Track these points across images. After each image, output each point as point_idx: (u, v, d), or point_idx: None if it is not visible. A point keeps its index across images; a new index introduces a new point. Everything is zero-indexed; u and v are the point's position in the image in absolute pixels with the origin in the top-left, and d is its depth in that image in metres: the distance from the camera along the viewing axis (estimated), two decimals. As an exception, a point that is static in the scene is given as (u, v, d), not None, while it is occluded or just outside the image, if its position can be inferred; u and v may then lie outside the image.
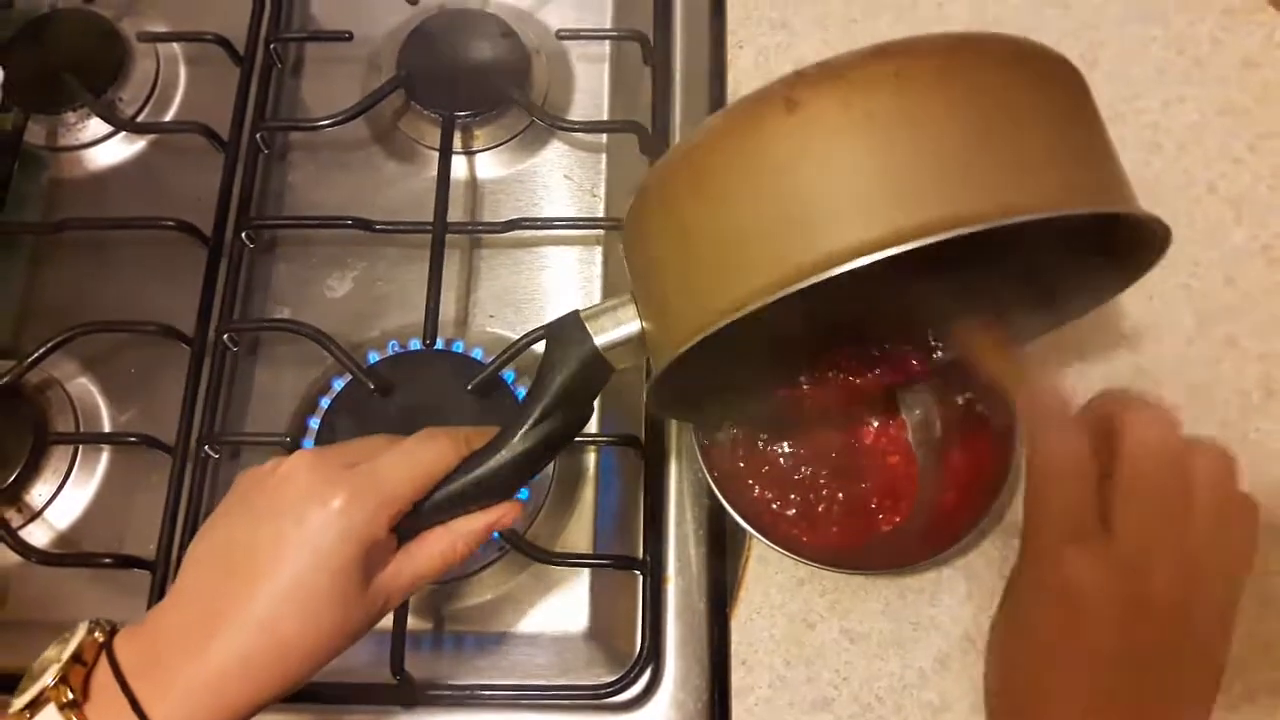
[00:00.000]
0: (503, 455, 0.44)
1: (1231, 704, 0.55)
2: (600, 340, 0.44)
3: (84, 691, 0.38)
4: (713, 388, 0.49)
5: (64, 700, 0.38)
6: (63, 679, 0.38)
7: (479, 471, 0.44)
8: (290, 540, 0.40)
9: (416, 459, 0.44)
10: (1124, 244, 0.41)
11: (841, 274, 0.34)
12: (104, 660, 0.39)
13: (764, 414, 0.57)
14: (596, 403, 0.64)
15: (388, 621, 0.56)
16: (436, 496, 0.44)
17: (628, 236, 0.43)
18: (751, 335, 0.37)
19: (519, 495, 0.58)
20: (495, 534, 0.44)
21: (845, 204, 0.35)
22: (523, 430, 0.44)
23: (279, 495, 0.41)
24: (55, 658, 0.39)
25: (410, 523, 0.44)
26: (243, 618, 0.39)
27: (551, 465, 0.62)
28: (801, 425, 0.58)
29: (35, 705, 0.38)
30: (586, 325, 0.44)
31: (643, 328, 0.43)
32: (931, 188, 0.34)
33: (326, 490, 0.41)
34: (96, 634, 0.40)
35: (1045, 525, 0.37)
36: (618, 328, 0.44)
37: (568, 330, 0.44)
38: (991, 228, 0.33)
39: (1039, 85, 0.37)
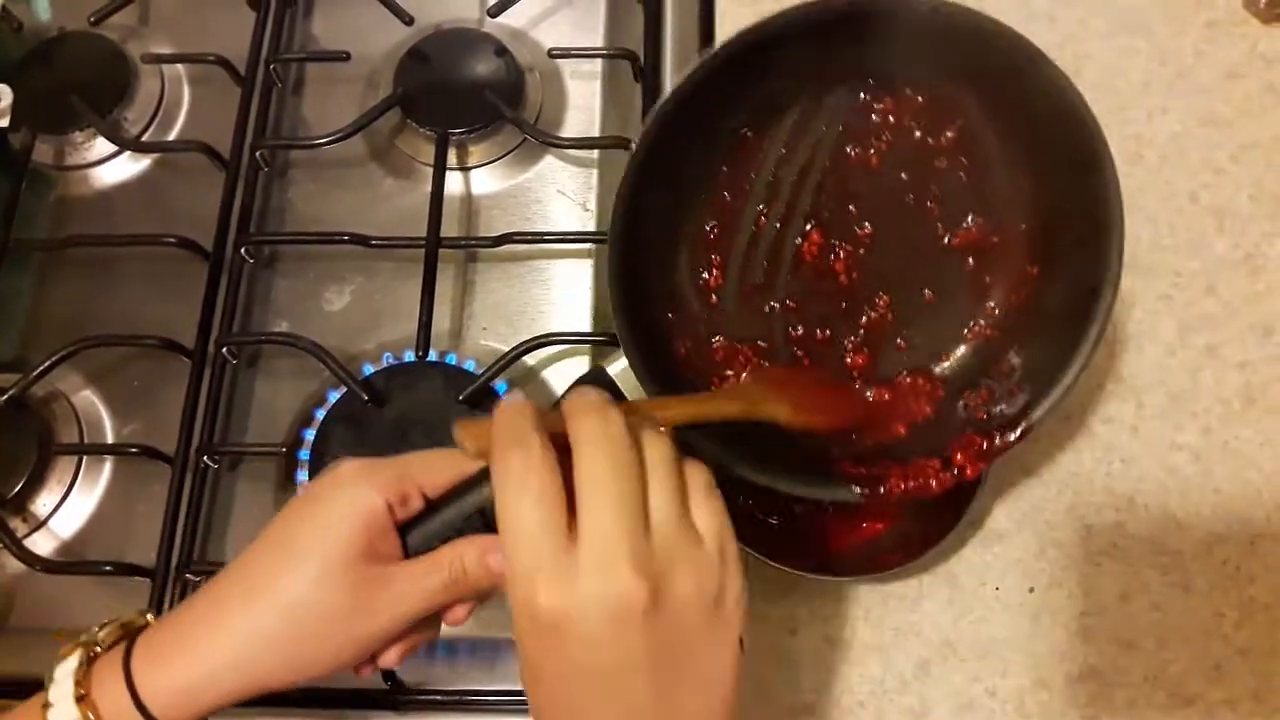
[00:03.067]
0: None
1: (1209, 709, 0.55)
2: (614, 368, 0.48)
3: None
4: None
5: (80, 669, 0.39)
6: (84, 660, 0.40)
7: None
8: (293, 508, 0.40)
9: (439, 455, 0.42)
10: None
11: None
12: (119, 647, 0.40)
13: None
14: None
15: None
16: (450, 507, 0.41)
17: None
18: None
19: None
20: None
21: None
22: None
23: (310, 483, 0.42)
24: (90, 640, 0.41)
25: (422, 533, 0.41)
26: (241, 589, 0.39)
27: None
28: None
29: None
30: (603, 364, 0.48)
31: None
32: None
33: (342, 465, 0.40)
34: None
35: (512, 570, 0.34)
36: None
37: (592, 373, 0.49)
38: None
39: None
